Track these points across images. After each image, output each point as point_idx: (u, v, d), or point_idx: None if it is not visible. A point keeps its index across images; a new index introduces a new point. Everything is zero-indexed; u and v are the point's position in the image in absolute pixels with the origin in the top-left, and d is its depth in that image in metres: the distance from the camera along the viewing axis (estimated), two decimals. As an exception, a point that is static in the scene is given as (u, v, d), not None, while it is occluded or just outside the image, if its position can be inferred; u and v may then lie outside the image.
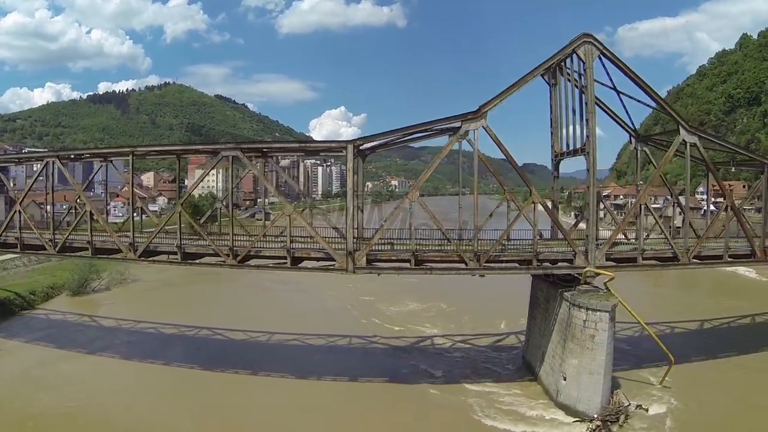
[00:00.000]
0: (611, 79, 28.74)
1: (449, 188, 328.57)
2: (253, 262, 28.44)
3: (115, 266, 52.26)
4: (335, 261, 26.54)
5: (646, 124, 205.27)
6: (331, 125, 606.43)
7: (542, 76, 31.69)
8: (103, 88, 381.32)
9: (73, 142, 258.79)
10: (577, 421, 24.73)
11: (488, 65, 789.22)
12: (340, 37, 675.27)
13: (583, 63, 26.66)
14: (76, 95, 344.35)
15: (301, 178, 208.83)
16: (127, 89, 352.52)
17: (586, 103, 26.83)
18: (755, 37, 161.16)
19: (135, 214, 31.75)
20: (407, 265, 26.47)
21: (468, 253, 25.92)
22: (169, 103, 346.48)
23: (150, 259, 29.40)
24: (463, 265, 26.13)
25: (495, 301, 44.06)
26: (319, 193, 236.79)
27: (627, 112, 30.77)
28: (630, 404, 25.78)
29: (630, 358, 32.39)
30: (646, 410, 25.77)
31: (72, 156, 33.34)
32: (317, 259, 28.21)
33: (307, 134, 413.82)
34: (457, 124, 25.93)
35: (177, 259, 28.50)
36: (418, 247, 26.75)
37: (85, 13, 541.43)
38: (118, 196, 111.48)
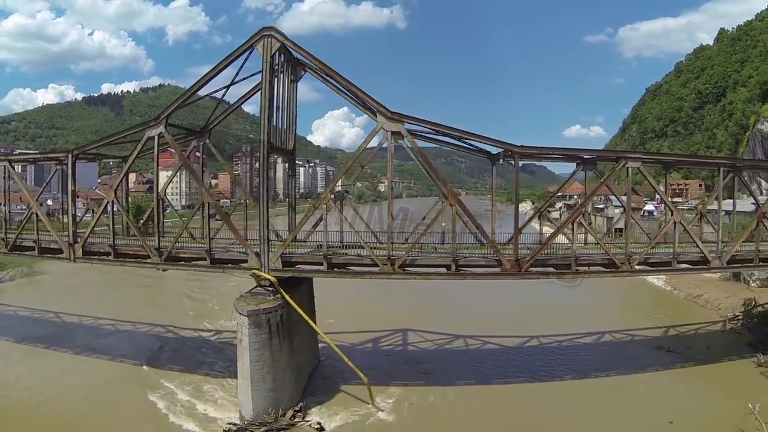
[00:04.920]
0: (325, 73, 27.10)
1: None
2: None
3: (26, 261, 53.51)
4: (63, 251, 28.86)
5: (626, 122, 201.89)
6: (333, 126, 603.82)
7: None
8: (105, 89, 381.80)
9: (65, 144, 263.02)
10: (231, 423, 24.07)
11: (489, 67, 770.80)
12: (340, 39, 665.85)
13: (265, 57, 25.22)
14: (79, 97, 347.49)
15: (279, 176, 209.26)
16: (121, 91, 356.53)
17: (269, 99, 25.44)
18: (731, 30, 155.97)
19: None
20: (109, 257, 28.03)
21: (152, 249, 26.59)
22: (164, 105, 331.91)
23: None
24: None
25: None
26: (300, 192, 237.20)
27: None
28: (300, 420, 24.19)
29: (399, 369, 30.33)
30: (322, 429, 23.99)
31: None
32: (56, 251, 29.85)
33: (308, 136, 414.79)
34: (155, 130, 26.61)
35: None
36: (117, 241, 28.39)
37: (86, 15, 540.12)
38: (79, 196, 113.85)
